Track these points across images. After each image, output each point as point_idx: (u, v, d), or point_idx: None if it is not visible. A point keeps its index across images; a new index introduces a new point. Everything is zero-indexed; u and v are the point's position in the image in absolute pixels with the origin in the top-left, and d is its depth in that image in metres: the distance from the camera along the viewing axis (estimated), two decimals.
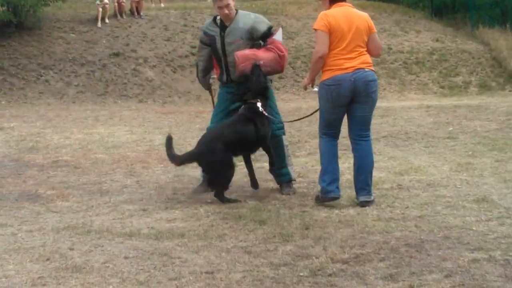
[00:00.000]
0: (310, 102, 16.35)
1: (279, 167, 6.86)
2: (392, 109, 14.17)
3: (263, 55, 6.64)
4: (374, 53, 6.41)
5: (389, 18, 22.65)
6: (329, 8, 6.29)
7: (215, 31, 6.88)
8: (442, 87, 18.85)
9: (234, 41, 6.74)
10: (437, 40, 21.15)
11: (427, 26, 22.47)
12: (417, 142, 9.78)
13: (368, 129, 6.29)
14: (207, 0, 23.74)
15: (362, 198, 6.16)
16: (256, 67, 6.56)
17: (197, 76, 7.37)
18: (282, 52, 6.72)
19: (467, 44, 21.04)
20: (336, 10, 6.22)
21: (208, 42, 6.95)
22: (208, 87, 7.43)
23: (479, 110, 13.30)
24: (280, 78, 18.63)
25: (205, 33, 6.99)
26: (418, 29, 22.05)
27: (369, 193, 6.18)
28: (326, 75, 6.15)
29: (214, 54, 6.94)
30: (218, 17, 6.92)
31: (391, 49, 20.50)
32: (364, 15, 6.37)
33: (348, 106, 6.16)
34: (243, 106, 6.69)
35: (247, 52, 6.64)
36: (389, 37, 21.15)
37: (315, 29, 6.22)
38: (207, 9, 22.04)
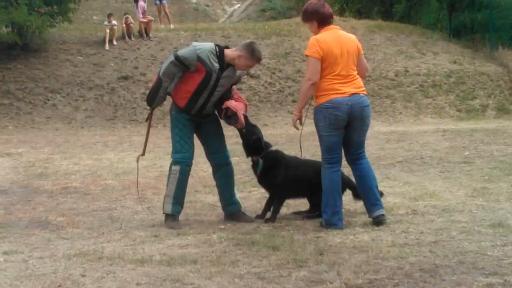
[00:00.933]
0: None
1: (231, 195, 7.12)
2: (408, 133, 14.26)
3: (241, 106, 6.90)
4: (362, 74, 6.63)
5: (406, 39, 22.70)
6: (318, 32, 6.49)
7: (215, 66, 6.62)
8: (459, 111, 18.86)
9: (225, 85, 6.79)
10: (454, 62, 21.16)
11: (445, 48, 22.49)
12: (432, 167, 9.88)
13: (363, 149, 6.59)
14: (218, 21, 23.81)
15: (376, 213, 6.37)
16: (247, 120, 6.95)
17: (152, 95, 6.99)
18: (246, 101, 7.08)
19: (485, 66, 21.05)
20: (327, 34, 6.41)
21: (195, 70, 6.61)
22: (150, 115, 7.25)
23: (496, 134, 13.37)
24: (294, 102, 18.73)
25: (200, 59, 6.58)
26: (436, 50, 22.04)
27: (381, 206, 6.42)
28: (322, 99, 6.38)
29: (199, 85, 6.67)
30: (217, 49, 6.67)
31: (408, 71, 20.51)
32: (353, 37, 6.60)
33: (343, 130, 6.37)
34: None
35: (236, 103, 6.82)
36: (406, 59, 21.20)
37: (307, 56, 6.42)
38: (218, 30, 22.19)
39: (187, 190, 8.55)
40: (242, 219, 6.95)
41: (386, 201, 7.49)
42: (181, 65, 6.64)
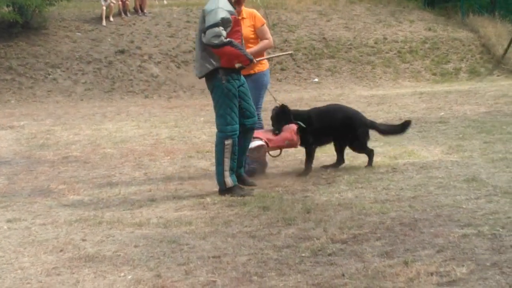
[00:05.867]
0: (311, 92, 16.46)
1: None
2: (387, 96, 14.25)
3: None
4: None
5: (384, 9, 22.67)
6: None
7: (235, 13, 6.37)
8: (434, 74, 18.93)
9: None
10: (429, 29, 21.18)
11: (420, 16, 22.48)
12: (410, 128, 9.84)
13: None
14: None
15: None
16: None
17: (242, 51, 6.30)
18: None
19: (457, 32, 21.07)
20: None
21: (230, 24, 6.20)
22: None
23: (469, 95, 13.39)
24: (282, 70, 18.74)
25: (231, 12, 6.23)
26: (412, 19, 22.07)
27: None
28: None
29: (240, 40, 6.35)
30: None
31: (386, 39, 20.53)
32: None
33: None
34: None
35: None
36: (385, 28, 21.18)
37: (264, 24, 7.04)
38: None
39: (181, 155, 8.55)
40: (246, 182, 6.69)
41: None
42: (225, 23, 6.18)
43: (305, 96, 15.46)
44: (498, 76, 18.33)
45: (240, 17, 6.73)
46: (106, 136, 10.68)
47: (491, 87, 14.69)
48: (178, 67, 18.83)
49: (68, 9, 21.03)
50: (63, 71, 18.06)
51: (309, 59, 19.35)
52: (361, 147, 7.23)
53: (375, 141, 8.70)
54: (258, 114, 6.97)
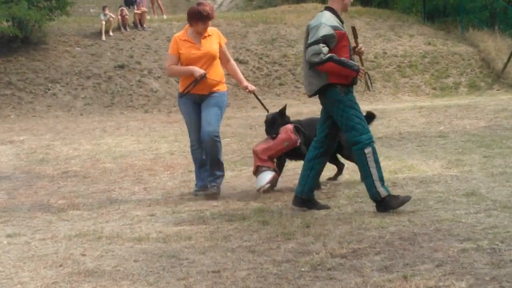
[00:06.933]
0: (311, 106, 16.48)
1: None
2: (387, 111, 14.27)
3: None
4: None
5: (384, 23, 22.74)
6: None
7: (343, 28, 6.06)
8: (434, 89, 18.97)
9: None
10: (429, 44, 21.25)
11: (420, 30, 22.55)
12: (410, 142, 9.89)
13: None
14: None
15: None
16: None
17: (345, 65, 5.89)
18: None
19: (457, 46, 21.13)
20: None
21: (335, 40, 5.91)
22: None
23: (468, 109, 13.41)
24: (281, 85, 18.79)
25: (335, 27, 5.95)
26: (411, 33, 22.14)
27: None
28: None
29: (348, 55, 6.01)
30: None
31: (386, 53, 20.58)
32: None
33: None
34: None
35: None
36: (384, 42, 21.24)
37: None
38: None
39: (181, 170, 8.57)
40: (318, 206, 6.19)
41: None
42: (328, 39, 5.92)
43: (305, 110, 15.46)
44: (497, 90, 18.38)
45: (206, 35, 7.10)
46: (105, 151, 10.71)
47: (490, 101, 14.72)
48: (178, 82, 18.80)
49: (67, 24, 21.07)
50: (63, 86, 18.09)
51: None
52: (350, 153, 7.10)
53: None
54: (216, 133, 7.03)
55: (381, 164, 7.90)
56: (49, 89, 17.91)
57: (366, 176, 5.92)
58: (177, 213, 6.34)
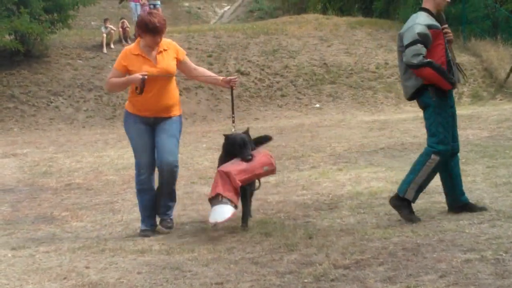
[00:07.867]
0: (313, 118, 16.53)
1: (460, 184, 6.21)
2: (389, 121, 14.29)
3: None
4: None
5: (386, 34, 22.76)
6: None
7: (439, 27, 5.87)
8: None
9: None
10: None
11: None
12: (412, 153, 9.85)
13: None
14: (209, 22, 23.79)
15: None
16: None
17: (443, 74, 5.79)
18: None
19: (459, 56, 21.04)
20: None
21: (430, 40, 5.78)
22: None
23: (471, 119, 13.41)
24: (283, 96, 18.81)
25: (430, 26, 5.81)
26: None
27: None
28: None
29: (443, 53, 5.90)
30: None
31: (387, 64, 20.55)
32: None
33: None
34: None
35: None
36: (386, 52, 21.24)
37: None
38: (209, 31, 22.18)
39: (184, 182, 8.60)
40: (476, 208, 5.99)
41: (370, 185, 7.51)
42: (425, 39, 5.82)
43: (306, 122, 15.52)
44: (500, 100, 18.36)
45: (161, 49, 6.20)
46: (108, 163, 10.74)
47: (493, 111, 14.72)
48: (180, 94, 18.82)
49: (69, 37, 21.14)
50: (65, 99, 18.14)
51: (310, 85, 19.40)
52: None
53: (377, 166, 8.77)
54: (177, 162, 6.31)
55: (384, 175, 8.00)
56: (51, 102, 17.95)
57: (412, 171, 5.94)
58: (180, 225, 6.37)
